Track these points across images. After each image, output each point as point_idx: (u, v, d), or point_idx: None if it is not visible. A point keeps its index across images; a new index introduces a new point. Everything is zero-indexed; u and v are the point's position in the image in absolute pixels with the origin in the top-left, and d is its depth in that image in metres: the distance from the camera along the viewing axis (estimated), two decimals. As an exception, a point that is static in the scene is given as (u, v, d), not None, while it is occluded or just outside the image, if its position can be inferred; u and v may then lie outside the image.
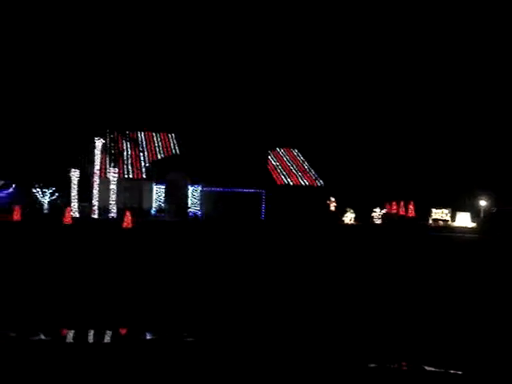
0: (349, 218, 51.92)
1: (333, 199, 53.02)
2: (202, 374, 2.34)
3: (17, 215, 41.20)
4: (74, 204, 47.57)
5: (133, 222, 38.90)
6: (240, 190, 48.98)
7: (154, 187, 49.97)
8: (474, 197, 54.35)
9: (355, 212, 52.38)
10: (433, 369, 2.69)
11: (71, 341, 3.28)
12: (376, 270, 17.42)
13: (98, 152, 49.30)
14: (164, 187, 49.89)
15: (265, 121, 58.32)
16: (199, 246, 24.74)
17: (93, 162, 49.18)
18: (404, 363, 2.88)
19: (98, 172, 49.20)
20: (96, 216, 47.71)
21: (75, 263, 16.76)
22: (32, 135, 51.03)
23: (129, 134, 55.83)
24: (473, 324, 9.21)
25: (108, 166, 50.68)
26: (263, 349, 2.92)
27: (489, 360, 5.82)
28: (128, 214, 39.47)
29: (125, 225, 38.41)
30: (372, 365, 2.75)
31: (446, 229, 46.41)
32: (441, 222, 51.57)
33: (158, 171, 51.16)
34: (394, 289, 13.35)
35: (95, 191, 48.63)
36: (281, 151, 59.19)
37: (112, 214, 47.47)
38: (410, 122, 66.12)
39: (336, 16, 71.82)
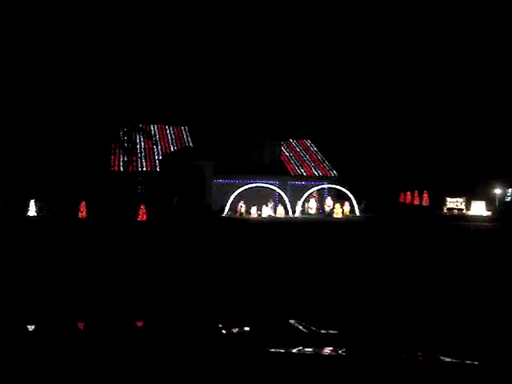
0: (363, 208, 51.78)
1: (345, 190, 52.62)
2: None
3: None
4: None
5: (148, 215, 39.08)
6: (253, 181, 48.74)
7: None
8: (489, 185, 53.91)
9: (370, 201, 52.18)
10: (449, 359, 2.68)
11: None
12: (387, 263, 17.40)
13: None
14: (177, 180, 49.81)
15: (277, 112, 58.24)
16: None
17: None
18: (419, 353, 2.88)
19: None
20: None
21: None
22: (42, 132, 51.14)
23: (142, 127, 55.92)
24: (486, 315, 9.18)
25: (121, 160, 50.80)
26: None
27: (505, 351, 5.81)
28: (143, 207, 39.64)
29: (140, 218, 38.59)
30: (388, 355, 2.76)
31: (460, 218, 46.17)
32: (455, 211, 51.21)
33: (171, 164, 51.18)
34: (407, 281, 13.33)
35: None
36: (293, 142, 59.02)
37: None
38: (424, 109, 65.74)
39: (347, 8, 71.45)
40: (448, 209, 52.27)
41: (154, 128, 57.53)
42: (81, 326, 3.64)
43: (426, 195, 54.62)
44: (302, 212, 49.64)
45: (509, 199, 52.19)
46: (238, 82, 60.40)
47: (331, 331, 3.49)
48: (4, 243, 21.62)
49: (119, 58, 55.76)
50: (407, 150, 63.21)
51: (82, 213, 40.40)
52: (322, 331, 3.44)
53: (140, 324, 3.81)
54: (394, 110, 65.95)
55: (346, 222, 40.69)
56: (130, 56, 57.82)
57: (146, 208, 39.43)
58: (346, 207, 49.97)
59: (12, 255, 17.28)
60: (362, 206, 51.01)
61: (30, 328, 3.32)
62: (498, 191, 53.09)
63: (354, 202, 50.68)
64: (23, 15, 55.69)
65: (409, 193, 56.38)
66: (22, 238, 24.42)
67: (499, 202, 52.04)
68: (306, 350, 2.76)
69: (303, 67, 67.65)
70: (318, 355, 2.66)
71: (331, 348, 2.81)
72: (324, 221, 41.58)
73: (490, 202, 51.72)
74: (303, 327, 3.35)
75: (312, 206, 50.33)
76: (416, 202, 54.92)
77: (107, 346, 2.77)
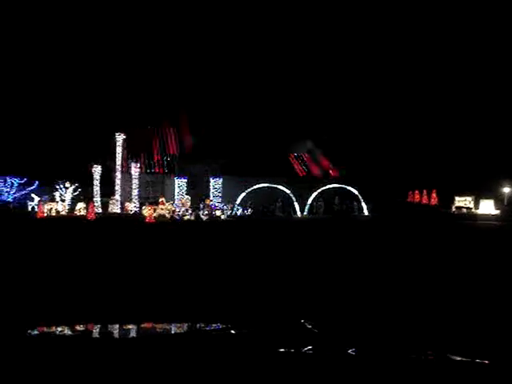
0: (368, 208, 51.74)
1: (353, 189, 52.48)
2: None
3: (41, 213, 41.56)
4: (97, 199, 47.83)
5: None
6: (262, 182, 48.68)
7: (176, 181, 49.99)
8: (498, 184, 53.65)
9: (377, 201, 52.09)
10: (459, 358, 2.68)
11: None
12: (396, 261, 17.36)
13: (119, 147, 49.52)
14: (186, 180, 49.87)
15: (284, 112, 58.21)
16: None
17: (114, 157, 49.39)
18: (429, 352, 2.87)
19: (119, 167, 49.40)
20: (118, 210, 48.00)
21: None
22: (54, 131, 51.42)
23: (150, 128, 56.09)
24: (495, 314, 9.14)
25: (129, 161, 50.88)
26: None
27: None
28: (151, 208, 39.72)
29: (147, 220, 38.67)
30: (398, 355, 2.76)
31: (469, 216, 46.05)
32: (464, 210, 51.04)
33: (179, 165, 51.29)
34: (415, 280, 13.29)
35: (117, 186, 48.85)
36: (300, 142, 58.94)
37: (135, 209, 47.70)
38: (433, 108, 65.53)
39: (345, 8, 71.27)
40: (457, 207, 52.12)
41: (161, 129, 57.54)
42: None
43: (434, 194, 54.53)
44: (310, 212, 49.68)
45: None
46: (242, 82, 60.26)
47: (340, 331, 3.49)
48: None
49: (122, 62, 56.10)
50: (416, 148, 62.98)
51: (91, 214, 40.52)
52: (332, 331, 3.44)
53: (147, 325, 3.82)
54: (402, 108, 65.78)
55: (354, 221, 40.67)
56: (133, 60, 58.09)
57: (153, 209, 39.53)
58: (354, 206, 50.06)
59: None
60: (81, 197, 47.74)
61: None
62: (506, 190, 52.90)
63: (362, 201, 50.71)
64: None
65: (417, 192, 56.29)
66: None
67: (508, 200, 51.86)
68: (317, 349, 2.77)
69: (308, 66, 67.48)
70: (328, 355, 2.66)
71: (341, 348, 2.81)
72: (331, 219, 41.57)
73: (499, 201, 51.53)
74: (313, 327, 3.35)
75: (320, 205, 50.40)
76: (424, 201, 54.81)
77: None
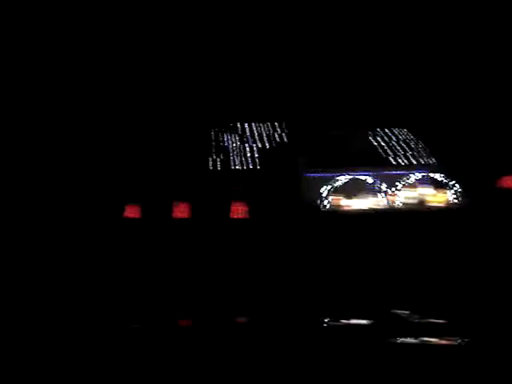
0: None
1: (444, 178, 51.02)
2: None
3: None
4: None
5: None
6: (353, 174, 48.02)
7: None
8: None
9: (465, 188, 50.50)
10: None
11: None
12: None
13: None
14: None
15: (370, 101, 57.36)
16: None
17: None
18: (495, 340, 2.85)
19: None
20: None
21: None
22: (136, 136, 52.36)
23: (233, 125, 56.55)
24: None
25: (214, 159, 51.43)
26: None
27: None
28: (238, 204, 39.90)
29: (234, 215, 38.83)
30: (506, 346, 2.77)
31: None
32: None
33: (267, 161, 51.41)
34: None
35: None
36: (387, 131, 57.94)
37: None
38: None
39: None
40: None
41: (244, 126, 57.90)
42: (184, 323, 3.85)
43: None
44: (398, 202, 48.82)
45: None
46: (327, 73, 59.67)
47: (440, 321, 3.50)
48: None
49: (210, 57, 56.71)
50: (505, 131, 60.66)
51: (182, 213, 41.02)
52: (431, 320, 3.46)
53: (240, 321, 3.96)
54: (491, 90, 63.47)
55: (446, 211, 39.83)
56: (222, 53, 58.60)
57: (242, 206, 39.70)
58: (446, 195, 48.79)
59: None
60: None
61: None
62: None
63: (454, 189, 49.37)
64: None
65: (508, 177, 54.26)
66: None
67: None
68: (421, 339, 2.82)
69: (392, 54, 66.07)
70: (431, 345, 2.71)
71: (446, 337, 2.83)
72: (422, 210, 40.86)
73: None
74: (409, 317, 3.39)
75: (408, 195, 49.41)
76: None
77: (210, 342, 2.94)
